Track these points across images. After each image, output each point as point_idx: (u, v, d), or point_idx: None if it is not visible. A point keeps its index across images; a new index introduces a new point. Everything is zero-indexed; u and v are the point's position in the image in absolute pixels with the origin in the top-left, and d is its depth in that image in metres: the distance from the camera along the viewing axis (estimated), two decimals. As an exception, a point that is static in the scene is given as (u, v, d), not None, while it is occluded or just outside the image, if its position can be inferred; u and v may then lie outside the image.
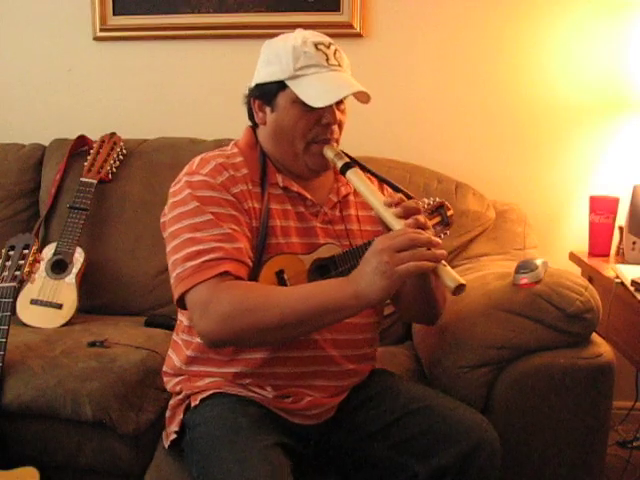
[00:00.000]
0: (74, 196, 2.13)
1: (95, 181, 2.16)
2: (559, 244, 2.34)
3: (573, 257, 2.24)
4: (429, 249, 1.16)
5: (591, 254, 2.19)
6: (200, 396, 1.35)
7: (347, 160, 1.35)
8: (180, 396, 1.40)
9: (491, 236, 2.10)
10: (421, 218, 1.22)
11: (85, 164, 2.19)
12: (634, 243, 2.04)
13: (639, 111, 2.25)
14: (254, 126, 1.45)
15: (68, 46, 2.46)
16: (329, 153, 1.35)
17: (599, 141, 2.33)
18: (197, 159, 1.38)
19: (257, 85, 1.38)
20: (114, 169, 2.21)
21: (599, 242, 2.18)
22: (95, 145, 2.23)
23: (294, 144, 1.36)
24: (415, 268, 1.15)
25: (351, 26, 2.33)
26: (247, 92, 1.42)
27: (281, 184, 1.39)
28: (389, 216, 1.24)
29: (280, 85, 1.33)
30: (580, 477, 1.50)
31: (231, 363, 1.34)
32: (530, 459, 1.49)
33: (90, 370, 1.62)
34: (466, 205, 2.10)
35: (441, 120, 2.37)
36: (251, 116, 1.43)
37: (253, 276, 1.31)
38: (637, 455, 2.14)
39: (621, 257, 2.14)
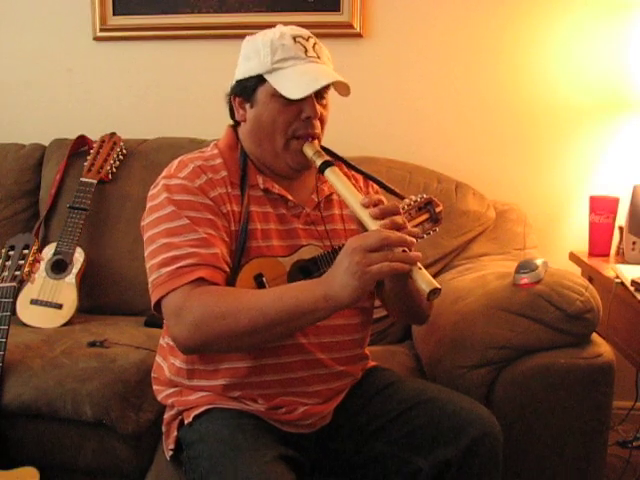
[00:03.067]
0: (74, 196, 2.13)
1: (95, 181, 2.16)
2: (559, 244, 2.34)
3: (573, 257, 2.24)
4: (405, 250, 1.13)
5: (591, 254, 2.19)
6: (193, 412, 1.32)
7: (326, 158, 1.31)
8: (173, 412, 1.38)
9: (491, 236, 2.10)
10: (398, 219, 1.18)
11: (85, 164, 2.19)
12: (634, 243, 2.04)
13: (639, 111, 2.25)
14: (235, 125, 1.42)
15: (68, 46, 2.47)
16: (308, 151, 1.32)
17: (599, 141, 2.33)
18: (175, 162, 1.36)
19: (237, 82, 1.36)
20: (114, 169, 2.21)
21: (599, 242, 2.18)
22: (95, 145, 2.23)
23: (274, 140, 1.33)
24: (388, 269, 1.11)
25: (351, 26, 2.33)
26: (228, 90, 1.39)
27: (262, 186, 1.36)
28: (365, 216, 1.20)
29: (259, 79, 1.31)
30: (580, 477, 1.50)
31: (217, 374, 1.32)
32: (530, 459, 1.49)
33: (90, 370, 1.62)
34: (466, 205, 2.10)
35: (441, 120, 2.37)
36: (232, 114, 1.40)
37: (231, 280, 1.28)
38: (637, 455, 2.14)
39: (621, 257, 2.14)
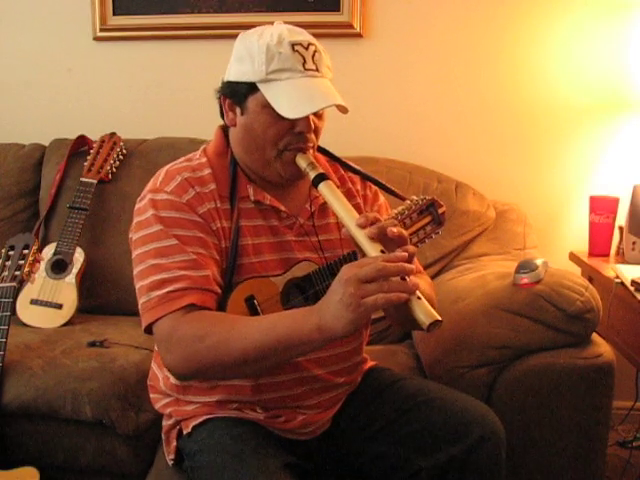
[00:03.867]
0: (74, 196, 2.13)
1: (95, 181, 2.16)
2: (559, 244, 2.34)
3: (573, 257, 2.24)
4: (403, 278, 1.06)
5: (591, 254, 2.19)
6: (192, 423, 1.30)
7: (320, 171, 1.24)
8: (171, 421, 1.36)
9: (491, 236, 2.10)
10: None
11: (85, 164, 2.19)
12: (634, 243, 2.04)
13: (639, 111, 2.25)
14: (226, 126, 1.35)
15: (68, 46, 2.47)
16: (302, 162, 1.25)
17: (599, 141, 2.33)
18: (162, 173, 1.30)
19: (228, 82, 1.29)
20: (114, 169, 2.21)
21: (599, 242, 2.18)
22: (95, 145, 2.23)
23: (264, 151, 1.27)
24: (383, 301, 1.04)
25: (351, 26, 2.33)
26: (219, 87, 1.32)
27: (252, 197, 1.30)
28: (362, 237, 1.13)
29: (251, 87, 1.23)
30: (580, 477, 1.49)
31: (213, 391, 1.30)
32: (530, 459, 1.49)
33: (90, 370, 1.62)
34: (466, 205, 2.10)
35: (441, 120, 2.37)
36: (222, 114, 1.34)
37: (222, 301, 1.24)
38: (637, 455, 2.14)
39: (621, 257, 2.14)
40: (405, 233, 1.17)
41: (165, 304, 1.19)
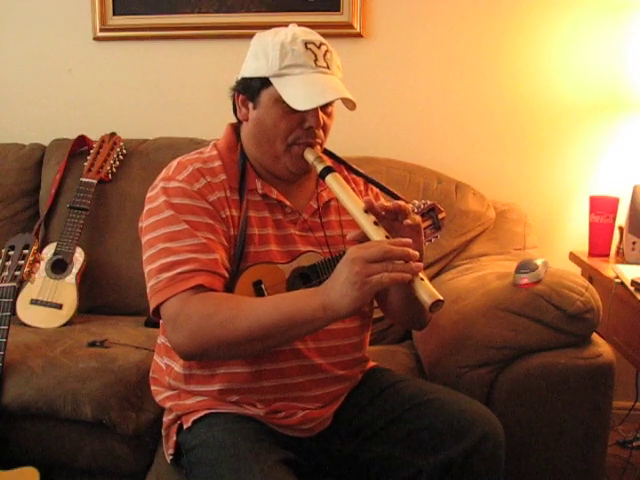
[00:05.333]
0: (74, 196, 2.13)
1: (95, 181, 2.16)
2: (559, 244, 2.34)
3: (573, 257, 2.24)
4: (406, 262, 1.11)
5: (591, 254, 2.19)
6: (192, 417, 1.31)
7: (327, 164, 1.30)
8: (171, 416, 1.38)
9: (491, 236, 2.10)
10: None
11: (85, 164, 2.19)
12: (634, 243, 2.05)
13: (639, 111, 2.25)
14: (238, 123, 1.40)
15: (68, 46, 2.47)
16: (309, 156, 1.30)
17: (599, 141, 2.33)
18: (174, 163, 1.34)
19: (243, 79, 1.34)
20: (114, 169, 2.21)
21: (599, 242, 2.18)
22: (95, 145, 2.23)
23: (274, 145, 1.31)
24: (388, 279, 1.09)
25: (351, 26, 2.33)
26: (233, 85, 1.37)
27: (260, 191, 1.35)
28: (368, 225, 1.18)
29: (264, 82, 1.29)
30: (580, 477, 1.50)
31: (214, 379, 1.31)
32: (530, 459, 1.49)
33: (90, 370, 1.62)
34: (466, 205, 2.10)
35: (441, 120, 2.37)
36: (235, 111, 1.38)
37: (230, 286, 1.27)
38: (637, 455, 2.14)
39: (621, 257, 2.14)
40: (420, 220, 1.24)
41: (174, 285, 1.22)
